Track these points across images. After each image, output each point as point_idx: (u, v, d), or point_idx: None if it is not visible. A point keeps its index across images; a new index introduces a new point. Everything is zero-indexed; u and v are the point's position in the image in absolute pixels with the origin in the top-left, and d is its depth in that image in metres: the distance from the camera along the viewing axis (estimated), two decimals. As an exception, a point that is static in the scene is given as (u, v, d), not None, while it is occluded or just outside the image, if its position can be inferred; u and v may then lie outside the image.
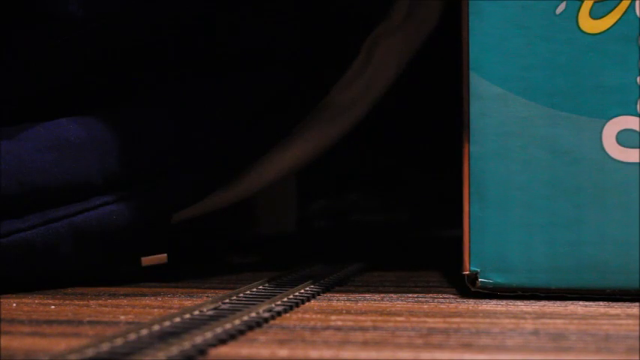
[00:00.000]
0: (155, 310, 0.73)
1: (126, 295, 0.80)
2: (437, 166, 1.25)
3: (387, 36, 0.99)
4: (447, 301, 0.77)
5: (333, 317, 0.69)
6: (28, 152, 0.83)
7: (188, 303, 0.76)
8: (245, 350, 0.56)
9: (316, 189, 1.32)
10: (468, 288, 0.79)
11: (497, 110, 0.78)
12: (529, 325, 0.66)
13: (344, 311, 0.72)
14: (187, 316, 0.65)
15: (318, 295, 0.80)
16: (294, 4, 0.93)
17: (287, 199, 1.26)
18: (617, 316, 0.70)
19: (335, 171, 1.30)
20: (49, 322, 0.67)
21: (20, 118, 0.86)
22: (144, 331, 0.58)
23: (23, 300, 0.77)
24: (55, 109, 0.87)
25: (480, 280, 0.79)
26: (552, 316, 0.70)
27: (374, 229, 1.34)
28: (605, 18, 0.77)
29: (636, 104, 0.77)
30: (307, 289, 0.80)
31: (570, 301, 0.77)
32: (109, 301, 0.77)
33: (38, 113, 0.86)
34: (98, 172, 0.84)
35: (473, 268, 0.79)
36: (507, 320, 0.68)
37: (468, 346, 0.58)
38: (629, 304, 0.75)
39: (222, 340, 0.58)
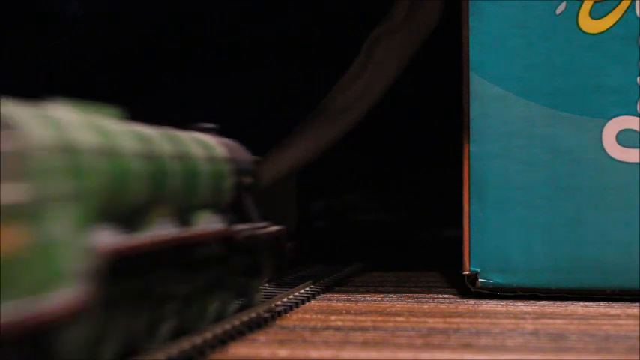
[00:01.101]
0: (155, 310, 0.73)
1: (126, 295, 0.80)
2: (437, 166, 1.25)
3: (387, 36, 0.99)
4: (447, 301, 0.77)
5: (333, 317, 0.69)
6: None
7: (188, 303, 0.76)
8: (245, 350, 0.56)
9: (316, 189, 1.32)
10: (468, 288, 0.79)
11: (498, 110, 0.78)
12: (529, 325, 0.66)
13: (344, 311, 0.72)
14: (187, 316, 0.64)
15: (318, 295, 0.80)
16: (295, 5, 0.93)
17: (287, 199, 1.26)
18: (617, 316, 0.69)
19: (335, 171, 1.30)
20: (49, 322, 0.67)
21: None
22: (144, 331, 0.58)
23: (23, 300, 0.77)
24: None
25: (480, 280, 0.79)
26: (552, 316, 0.70)
27: (374, 229, 1.34)
28: (605, 18, 0.77)
29: (636, 104, 0.77)
30: (307, 289, 0.80)
31: (570, 301, 0.76)
32: (109, 301, 0.77)
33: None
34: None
35: (473, 268, 0.79)
36: (507, 320, 0.68)
37: (468, 346, 0.58)
38: (629, 304, 0.75)
39: (222, 340, 0.58)
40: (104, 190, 0.45)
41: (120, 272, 0.45)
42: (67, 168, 0.42)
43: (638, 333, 0.62)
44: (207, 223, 0.58)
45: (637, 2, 0.77)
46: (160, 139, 0.54)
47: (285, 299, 0.73)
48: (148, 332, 0.51)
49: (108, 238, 0.44)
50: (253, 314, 0.65)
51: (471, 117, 0.79)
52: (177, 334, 0.56)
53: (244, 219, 0.64)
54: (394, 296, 0.80)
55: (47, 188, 0.40)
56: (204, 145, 0.60)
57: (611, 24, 0.77)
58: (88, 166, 0.44)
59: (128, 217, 0.48)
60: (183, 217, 0.55)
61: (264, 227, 0.67)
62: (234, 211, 0.63)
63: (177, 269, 0.54)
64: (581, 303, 0.76)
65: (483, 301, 0.77)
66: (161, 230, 0.51)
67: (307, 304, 0.75)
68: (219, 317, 0.61)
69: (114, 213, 0.47)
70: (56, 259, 0.40)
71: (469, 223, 0.79)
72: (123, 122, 0.51)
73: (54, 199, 0.41)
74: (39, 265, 0.39)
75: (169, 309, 0.54)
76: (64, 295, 0.40)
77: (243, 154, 0.67)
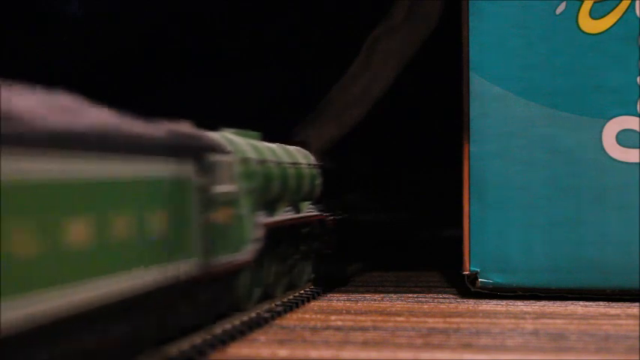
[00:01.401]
0: (155, 310, 0.73)
1: (126, 295, 0.80)
2: (437, 166, 1.25)
3: (387, 36, 0.99)
4: (447, 301, 0.77)
5: (333, 317, 0.69)
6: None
7: (188, 303, 0.76)
8: (245, 350, 0.56)
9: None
10: (468, 288, 0.79)
11: (498, 110, 0.78)
12: (529, 325, 0.66)
13: (344, 311, 0.72)
14: (188, 316, 0.65)
15: (318, 295, 0.80)
16: (295, 5, 0.93)
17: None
18: (617, 316, 0.69)
19: (335, 171, 1.30)
20: (49, 322, 0.67)
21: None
22: (144, 331, 0.58)
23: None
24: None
25: (480, 280, 0.79)
26: (552, 316, 0.70)
27: (374, 228, 1.34)
28: (605, 18, 0.77)
29: (636, 104, 0.77)
30: (307, 289, 0.80)
31: (570, 301, 0.76)
32: (109, 301, 0.77)
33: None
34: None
35: (473, 268, 0.79)
36: (507, 320, 0.68)
37: (468, 346, 0.58)
38: (629, 304, 0.75)
39: (222, 341, 0.58)
40: (260, 187, 0.68)
41: (267, 240, 0.66)
42: (245, 173, 0.65)
43: (638, 333, 0.62)
44: (308, 211, 0.81)
45: (637, 2, 0.77)
46: (281, 151, 0.75)
47: (285, 299, 0.73)
48: (275, 283, 0.74)
49: (262, 218, 0.67)
50: (253, 314, 0.65)
51: (471, 117, 0.79)
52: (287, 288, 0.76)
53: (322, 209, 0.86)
54: (394, 296, 0.80)
55: (239, 185, 0.64)
56: (303, 155, 0.82)
57: (611, 24, 0.77)
58: (253, 172, 0.67)
59: (269, 206, 0.71)
60: (296, 206, 0.78)
61: (333, 215, 0.88)
62: (319, 202, 0.85)
63: (293, 241, 0.77)
64: (581, 303, 0.76)
65: (483, 301, 0.77)
66: (286, 215, 0.75)
67: (307, 304, 0.75)
68: (308, 279, 0.82)
69: (263, 203, 0.68)
70: (243, 229, 0.64)
71: (469, 223, 0.79)
72: (261, 141, 0.72)
73: (242, 192, 0.64)
74: (236, 232, 0.62)
75: (286, 268, 0.76)
76: (245, 251, 0.63)
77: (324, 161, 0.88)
